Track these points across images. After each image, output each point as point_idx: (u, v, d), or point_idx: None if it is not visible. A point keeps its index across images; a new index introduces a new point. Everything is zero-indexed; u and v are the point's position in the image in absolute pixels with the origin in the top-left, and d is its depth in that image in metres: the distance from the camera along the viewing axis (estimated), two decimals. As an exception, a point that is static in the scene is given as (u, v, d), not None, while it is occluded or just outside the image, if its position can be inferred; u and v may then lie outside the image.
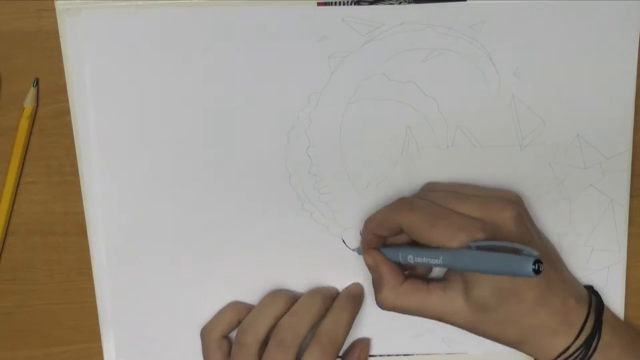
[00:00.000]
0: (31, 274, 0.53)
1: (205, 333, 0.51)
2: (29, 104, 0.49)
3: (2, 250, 0.52)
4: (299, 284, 0.52)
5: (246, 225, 0.51)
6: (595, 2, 0.48)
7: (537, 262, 0.40)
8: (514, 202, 0.47)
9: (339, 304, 0.50)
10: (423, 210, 0.45)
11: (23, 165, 0.51)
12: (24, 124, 0.50)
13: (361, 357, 0.52)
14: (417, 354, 0.53)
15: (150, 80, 0.49)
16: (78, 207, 0.51)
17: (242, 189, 0.50)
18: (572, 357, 0.46)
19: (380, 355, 0.53)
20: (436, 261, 0.44)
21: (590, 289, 0.50)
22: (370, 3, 0.47)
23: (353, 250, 0.51)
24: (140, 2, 0.47)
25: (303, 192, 0.51)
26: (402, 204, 0.47)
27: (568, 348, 0.46)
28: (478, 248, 0.43)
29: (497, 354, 0.53)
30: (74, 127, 0.49)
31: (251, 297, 0.52)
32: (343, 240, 0.51)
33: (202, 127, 0.49)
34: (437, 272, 0.51)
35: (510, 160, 0.50)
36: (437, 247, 0.44)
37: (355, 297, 0.51)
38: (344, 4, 0.47)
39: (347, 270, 0.52)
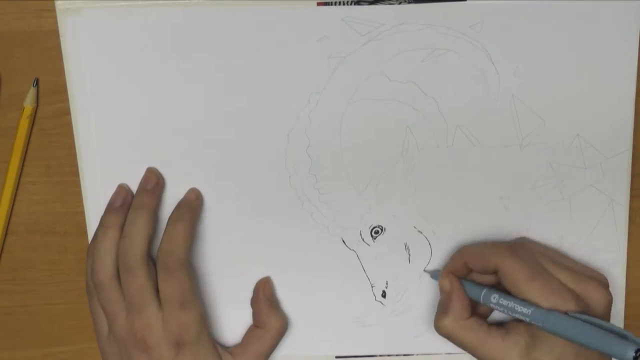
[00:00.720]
0: (31, 274, 0.53)
1: (87, 293, 0.50)
2: (29, 104, 0.49)
3: (2, 250, 0.52)
4: (299, 283, 0.52)
5: (246, 225, 0.51)
6: (595, 2, 0.48)
7: (638, 350, 0.41)
8: (606, 285, 0.47)
9: (173, 217, 0.49)
10: (525, 261, 0.46)
11: (23, 165, 0.51)
12: (24, 124, 0.50)
13: (266, 294, 0.51)
14: (418, 354, 0.53)
15: (150, 80, 0.49)
16: (78, 207, 0.51)
17: (242, 189, 0.50)
18: None
19: (380, 356, 0.53)
20: (524, 311, 0.45)
21: None
22: (370, 3, 0.47)
23: (426, 271, 0.52)
24: (140, 2, 0.47)
25: (303, 192, 0.51)
26: (507, 247, 0.47)
27: None
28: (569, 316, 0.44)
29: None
30: (74, 127, 0.49)
31: (251, 296, 0.52)
32: (343, 241, 0.51)
33: (201, 127, 0.49)
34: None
35: (510, 160, 0.50)
36: (523, 301, 0.45)
37: (190, 204, 0.50)
38: (344, 4, 0.47)
39: (347, 270, 0.52)
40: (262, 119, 0.49)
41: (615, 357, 0.42)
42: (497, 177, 0.50)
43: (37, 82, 0.49)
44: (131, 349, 0.47)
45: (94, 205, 0.51)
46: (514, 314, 0.46)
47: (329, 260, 0.52)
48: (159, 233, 0.50)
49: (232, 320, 0.52)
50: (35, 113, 0.50)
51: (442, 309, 0.49)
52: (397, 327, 0.53)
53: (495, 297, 0.47)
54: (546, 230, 0.51)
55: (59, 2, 0.47)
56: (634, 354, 0.41)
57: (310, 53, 0.48)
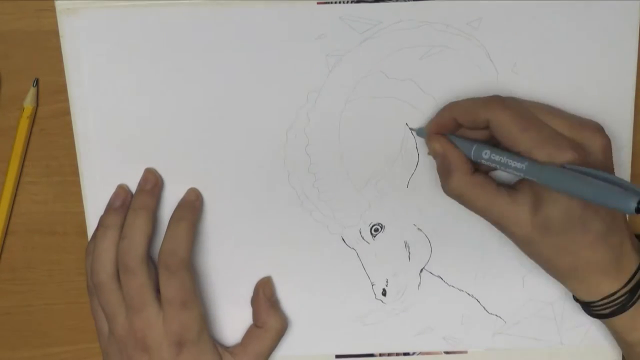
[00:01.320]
0: (31, 274, 0.53)
1: (89, 294, 0.50)
2: (29, 104, 0.50)
3: (2, 250, 0.52)
4: (299, 282, 0.52)
5: (245, 224, 0.51)
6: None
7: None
8: (602, 130, 0.45)
9: (174, 217, 0.49)
10: (517, 111, 0.44)
11: (23, 165, 0.51)
12: (24, 124, 0.50)
13: (266, 294, 0.51)
14: (418, 353, 0.53)
15: (150, 80, 0.49)
16: (78, 207, 0.51)
17: (241, 188, 0.50)
18: (614, 302, 0.45)
19: (380, 355, 0.53)
20: (518, 165, 0.43)
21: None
22: (369, 1, 0.48)
23: (412, 129, 0.49)
24: (140, 2, 0.48)
25: (302, 190, 0.51)
26: (497, 100, 0.45)
27: (614, 293, 0.45)
28: (567, 168, 0.42)
29: (497, 352, 0.53)
30: (74, 127, 0.50)
31: (251, 296, 0.52)
32: (343, 239, 0.51)
33: (201, 126, 0.50)
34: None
35: (509, 157, 0.50)
36: (519, 153, 0.43)
37: (189, 204, 0.50)
38: (344, 2, 0.48)
39: (347, 268, 0.52)
40: (261, 117, 0.49)
41: (617, 209, 0.39)
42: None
43: (37, 82, 0.50)
44: (131, 350, 0.47)
45: (94, 205, 0.51)
46: (507, 170, 0.44)
47: (329, 259, 0.52)
48: (158, 233, 0.50)
49: (232, 320, 0.52)
50: (35, 113, 0.50)
51: (444, 172, 0.47)
52: (397, 326, 0.53)
53: (486, 153, 0.45)
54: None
55: (58, 2, 0.47)
56: (636, 205, 0.38)
57: (308, 51, 0.48)
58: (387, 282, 0.52)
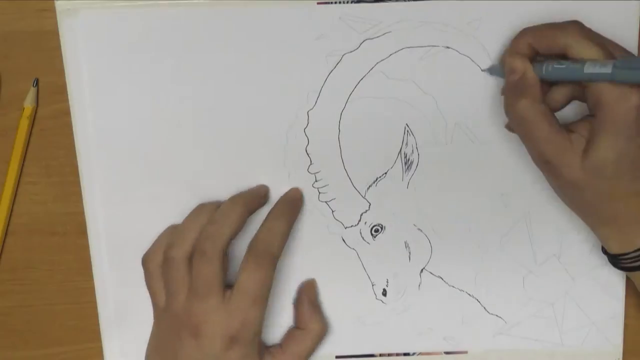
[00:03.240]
0: (31, 274, 0.53)
1: (146, 260, 0.49)
2: (29, 104, 0.50)
3: (2, 250, 0.52)
4: (299, 282, 0.52)
5: (245, 224, 0.51)
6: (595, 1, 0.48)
7: None
8: None
9: (275, 211, 0.49)
10: (597, 42, 0.43)
11: (23, 165, 0.51)
12: (24, 124, 0.50)
13: (310, 296, 0.51)
14: (418, 353, 0.53)
15: (150, 80, 0.49)
16: (78, 207, 0.51)
17: (242, 188, 0.50)
18: None
19: (380, 355, 0.53)
20: (605, 70, 0.42)
21: None
22: (368, 1, 0.48)
23: (483, 70, 0.49)
24: (140, 3, 0.48)
25: (302, 190, 0.51)
26: (574, 24, 0.44)
27: None
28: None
29: (497, 353, 0.53)
30: (74, 127, 0.50)
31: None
32: (343, 239, 0.51)
33: (201, 126, 0.50)
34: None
35: (510, 157, 0.50)
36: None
37: (293, 202, 0.50)
38: (344, 2, 0.48)
39: (347, 268, 0.52)
40: (261, 117, 0.49)
41: None
42: (496, 173, 0.50)
43: (37, 82, 0.50)
44: (183, 331, 0.47)
45: (94, 205, 0.51)
46: (585, 75, 0.42)
47: (329, 259, 0.52)
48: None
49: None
50: (35, 113, 0.50)
51: (517, 91, 0.45)
52: (397, 326, 0.53)
53: (560, 62, 0.43)
54: (546, 226, 0.51)
55: (59, 2, 0.47)
56: None
57: (308, 51, 0.48)
58: (387, 282, 0.52)
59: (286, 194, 0.50)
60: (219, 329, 0.46)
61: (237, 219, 0.47)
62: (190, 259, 0.47)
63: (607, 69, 0.42)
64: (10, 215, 0.52)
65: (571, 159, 0.44)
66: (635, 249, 0.45)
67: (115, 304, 0.52)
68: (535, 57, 0.45)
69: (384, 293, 0.52)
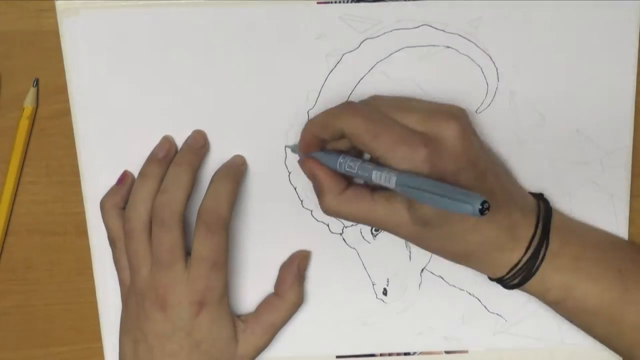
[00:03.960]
0: (31, 274, 0.53)
1: (102, 203, 0.50)
2: (29, 104, 0.50)
3: (2, 250, 0.52)
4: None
5: (245, 224, 0.51)
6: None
7: (482, 204, 0.38)
8: (458, 116, 0.44)
9: (217, 176, 0.49)
10: (367, 117, 0.44)
11: (23, 165, 0.51)
12: (24, 124, 0.50)
13: (300, 267, 0.51)
14: (419, 353, 0.53)
15: (150, 80, 0.49)
16: (78, 207, 0.51)
17: (242, 188, 0.50)
18: (520, 270, 0.46)
19: (381, 354, 0.53)
20: (373, 176, 0.43)
21: (539, 197, 0.49)
22: (368, 1, 0.48)
23: (287, 147, 0.50)
24: (140, 3, 0.48)
25: (303, 190, 0.51)
26: (346, 107, 0.45)
27: (517, 263, 0.45)
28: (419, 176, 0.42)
29: (498, 352, 0.53)
30: (74, 127, 0.50)
31: (251, 296, 0.52)
32: (343, 239, 0.51)
33: (201, 126, 0.50)
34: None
35: (510, 156, 0.50)
36: (377, 158, 0.43)
37: (234, 165, 0.49)
38: (343, 2, 0.48)
39: (348, 268, 0.52)
40: (261, 117, 0.49)
41: (464, 212, 0.38)
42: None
43: (37, 82, 0.50)
44: (149, 305, 0.47)
45: (94, 205, 0.51)
46: (367, 179, 0.44)
47: (330, 259, 0.52)
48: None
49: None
50: (35, 113, 0.50)
51: (317, 192, 0.47)
52: (398, 326, 0.53)
53: (350, 166, 0.45)
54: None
55: (58, 2, 0.47)
56: (479, 206, 0.38)
57: (308, 51, 0.48)
58: (388, 281, 0.52)
59: (228, 160, 0.50)
60: (184, 297, 0.47)
61: (187, 182, 0.48)
62: (149, 230, 0.47)
63: (391, 184, 0.42)
64: (10, 215, 0.52)
65: (399, 220, 0.45)
66: (507, 270, 0.46)
67: (115, 304, 0.52)
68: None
69: (385, 292, 0.52)
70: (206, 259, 0.47)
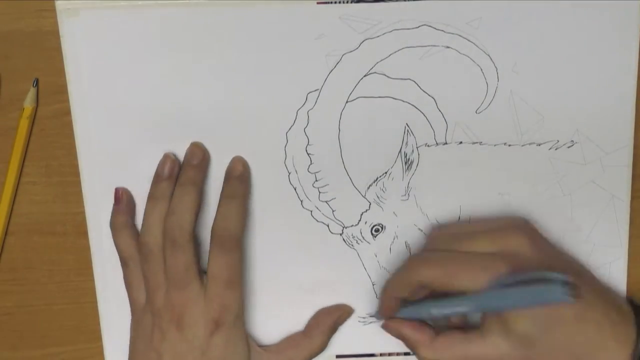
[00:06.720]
0: (31, 274, 0.53)
1: (111, 224, 0.50)
2: (29, 104, 0.50)
3: (2, 250, 0.52)
4: (300, 283, 0.52)
5: (246, 223, 0.51)
6: (594, -1, 0.48)
7: (568, 284, 0.40)
8: (523, 227, 0.47)
9: (225, 194, 0.49)
10: (439, 262, 0.46)
11: (23, 165, 0.51)
12: (24, 124, 0.50)
13: (339, 321, 0.51)
14: (418, 353, 0.53)
15: (150, 80, 0.49)
16: (78, 207, 0.51)
17: (243, 189, 0.51)
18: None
19: (381, 354, 0.53)
20: (463, 309, 0.44)
21: (630, 301, 0.48)
22: (368, 1, 0.48)
23: (371, 316, 0.52)
24: (140, 3, 0.48)
25: (302, 190, 0.51)
26: (416, 261, 0.47)
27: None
28: (505, 285, 0.43)
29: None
30: (74, 127, 0.50)
31: (251, 296, 0.52)
32: (343, 239, 0.51)
33: (201, 126, 0.50)
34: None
35: (510, 157, 0.50)
36: (462, 293, 0.45)
37: (240, 178, 0.49)
38: (343, 2, 0.48)
39: (348, 268, 0.52)
40: (261, 117, 0.49)
41: (556, 302, 0.40)
42: (496, 174, 0.50)
43: (37, 82, 0.50)
44: (166, 324, 0.47)
45: (94, 205, 0.51)
46: (461, 313, 0.45)
47: (330, 259, 0.52)
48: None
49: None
50: (35, 113, 0.50)
51: (410, 348, 0.48)
52: (397, 326, 0.53)
53: (434, 310, 0.46)
54: (547, 227, 0.51)
55: (59, 2, 0.47)
56: (566, 290, 0.40)
57: (307, 51, 0.48)
58: (387, 282, 0.52)
59: (229, 168, 0.50)
60: (200, 316, 0.47)
61: (193, 201, 0.48)
62: (163, 250, 0.48)
63: (466, 308, 0.45)
64: (10, 215, 0.52)
65: (499, 352, 0.45)
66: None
67: (115, 304, 0.52)
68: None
69: (384, 293, 0.52)
70: (221, 277, 0.47)
